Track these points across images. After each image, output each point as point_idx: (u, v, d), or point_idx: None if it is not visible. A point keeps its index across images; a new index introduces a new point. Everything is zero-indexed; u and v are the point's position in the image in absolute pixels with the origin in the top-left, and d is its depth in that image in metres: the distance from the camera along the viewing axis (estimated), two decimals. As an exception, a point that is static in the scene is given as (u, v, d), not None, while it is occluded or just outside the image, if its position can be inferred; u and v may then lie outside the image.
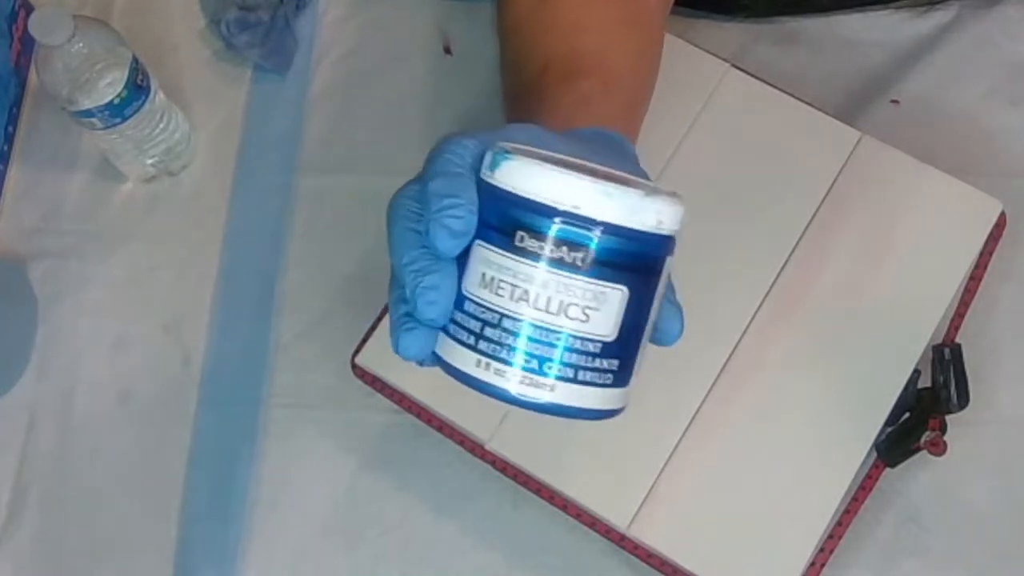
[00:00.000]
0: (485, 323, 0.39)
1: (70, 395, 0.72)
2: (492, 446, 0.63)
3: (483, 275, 0.38)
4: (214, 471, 0.69)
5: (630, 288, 0.39)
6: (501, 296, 0.38)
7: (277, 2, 0.79)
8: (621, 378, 0.40)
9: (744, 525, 0.60)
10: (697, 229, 0.66)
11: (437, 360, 0.41)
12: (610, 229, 0.38)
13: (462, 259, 0.40)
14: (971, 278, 0.66)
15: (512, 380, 0.39)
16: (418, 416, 0.65)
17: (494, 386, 0.39)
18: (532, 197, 0.38)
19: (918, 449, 0.62)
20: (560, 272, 0.38)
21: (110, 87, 0.68)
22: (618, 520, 0.61)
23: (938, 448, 0.61)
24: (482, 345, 0.39)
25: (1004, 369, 0.67)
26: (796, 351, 0.63)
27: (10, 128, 0.79)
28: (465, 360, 0.39)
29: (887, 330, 0.63)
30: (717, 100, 0.68)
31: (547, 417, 0.40)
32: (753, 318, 0.64)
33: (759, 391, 0.62)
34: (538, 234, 0.38)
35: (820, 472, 0.61)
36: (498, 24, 0.62)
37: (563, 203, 0.37)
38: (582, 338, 0.38)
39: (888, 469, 0.64)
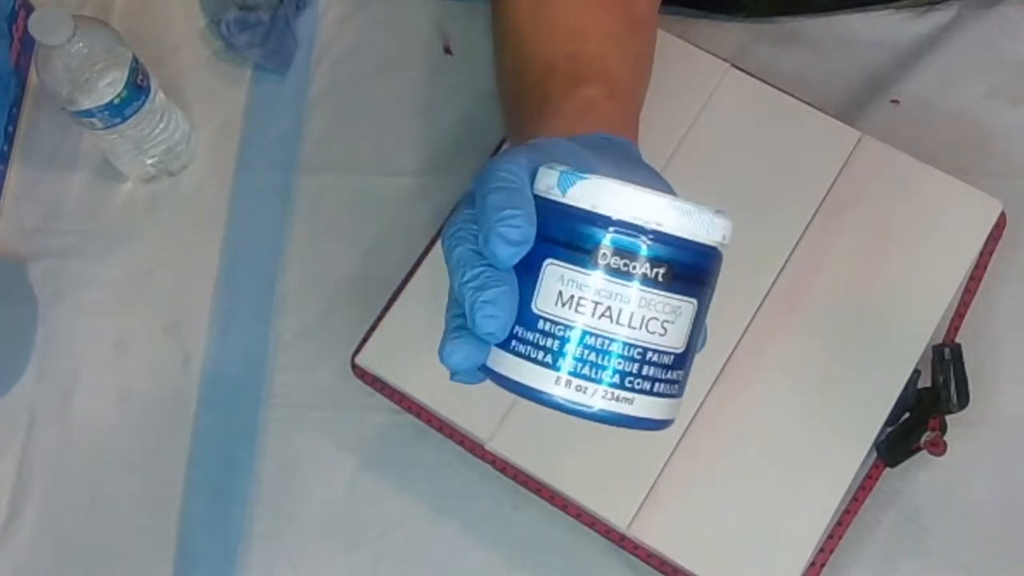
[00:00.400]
0: (564, 340, 0.39)
1: (70, 395, 0.72)
2: (492, 446, 0.63)
3: (559, 294, 0.39)
4: (214, 471, 0.69)
5: (698, 301, 0.40)
6: (582, 313, 0.39)
7: (277, 2, 0.79)
8: (682, 388, 0.41)
9: (744, 525, 0.60)
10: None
11: (492, 376, 0.41)
12: (688, 245, 0.39)
13: (528, 279, 0.40)
14: (971, 278, 0.66)
15: (595, 396, 0.39)
16: (418, 416, 0.65)
17: (576, 403, 0.39)
18: (617, 216, 0.38)
19: (918, 449, 0.62)
20: (644, 288, 0.38)
21: (110, 87, 0.68)
22: (618, 520, 0.61)
23: (938, 448, 0.61)
24: (562, 363, 0.39)
25: (1004, 369, 0.67)
26: (796, 351, 0.63)
27: (10, 128, 0.79)
28: (538, 378, 0.40)
29: (887, 330, 0.63)
30: (717, 100, 0.68)
31: (589, 424, 0.40)
32: (753, 318, 0.64)
33: (759, 391, 0.62)
34: (623, 252, 0.38)
35: (820, 472, 0.61)
36: (494, 28, 0.62)
37: (649, 221, 0.38)
38: (660, 351, 0.39)
39: (888, 469, 0.64)
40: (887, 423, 0.62)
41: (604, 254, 0.38)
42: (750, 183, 0.66)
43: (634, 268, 0.38)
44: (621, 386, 0.39)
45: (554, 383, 0.39)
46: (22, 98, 0.81)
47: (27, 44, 0.80)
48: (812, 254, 0.65)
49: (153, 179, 0.77)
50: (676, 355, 0.40)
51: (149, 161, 0.75)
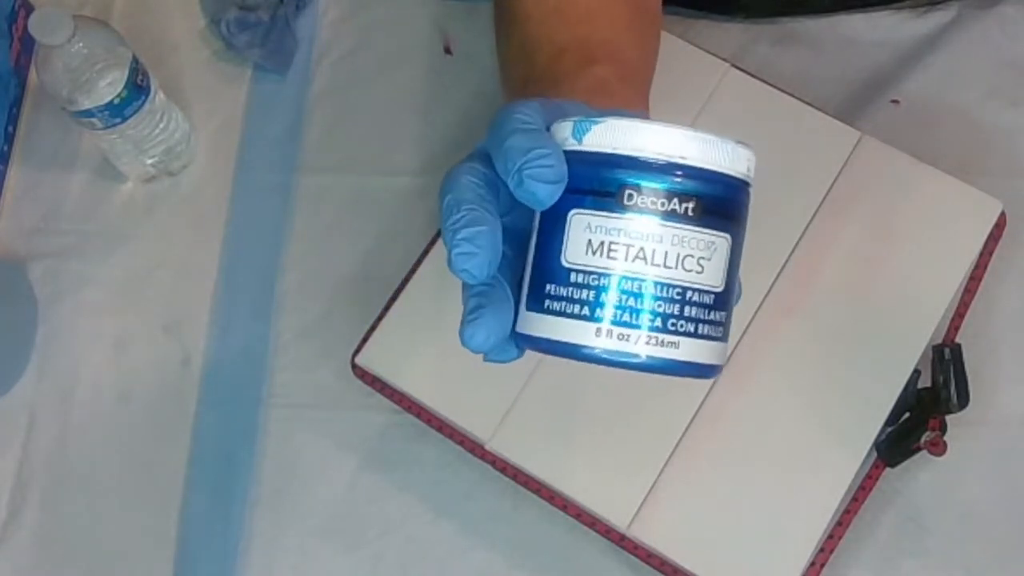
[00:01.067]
0: (600, 290, 0.38)
1: (70, 395, 0.72)
2: (492, 446, 0.63)
3: (588, 242, 0.38)
4: (214, 471, 0.69)
5: (732, 236, 0.39)
6: (615, 259, 0.37)
7: (277, 2, 0.79)
8: (727, 331, 0.40)
9: (744, 525, 0.60)
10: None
11: (527, 341, 0.40)
12: (714, 177, 0.38)
13: (553, 234, 0.39)
14: (971, 278, 0.66)
15: (639, 343, 0.38)
16: (418, 416, 0.65)
17: (620, 352, 0.38)
18: (638, 154, 0.37)
19: (918, 449, 0.62)
20: (675, 224, 0.37)
21: (110, 87, 0.68)
22: (618, 520, 0.61)
23: (938, 448, 0.61)
24: (601, 313, 0.38)
25: (1004, 369, 0.67)
26: (796, 351, 0.63)
27: (10, 128, 0.79)
28: (579, 333, 0.38)
29: (887, 330, 0.63)
30: (717, 100, 0.68)
31: (635, 374, 0.38)
32: (753, 318, 0.64)
33: (759, 391, 0.62)
34: (650, 189, 0.37)
35: (820, 472, 0.61)
36: (498, 15, 0.62)
37: (672, 155, 0.37)
38: (699, 290, 0.38)
39: (888, 469, 0.64)
40: (887, 423, 0.62)
41: (630, 195, 0.37)
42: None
43: (663, 205, 0.37)
44: (664, 329, 0.38)
45: (595, 335, 0.38)
46: (22, 98, 0.81)
47: (27, 44, 0.80)
48: (812, 254, 0.65)
49: (153, 179, 0.77)
50: (716, 294, 0.39)
51: (149, 161, 0.75)
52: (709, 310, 0.38)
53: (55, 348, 0.73)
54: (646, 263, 0.37)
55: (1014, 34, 0.77)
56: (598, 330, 0.38)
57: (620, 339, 0.38)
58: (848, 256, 0.65)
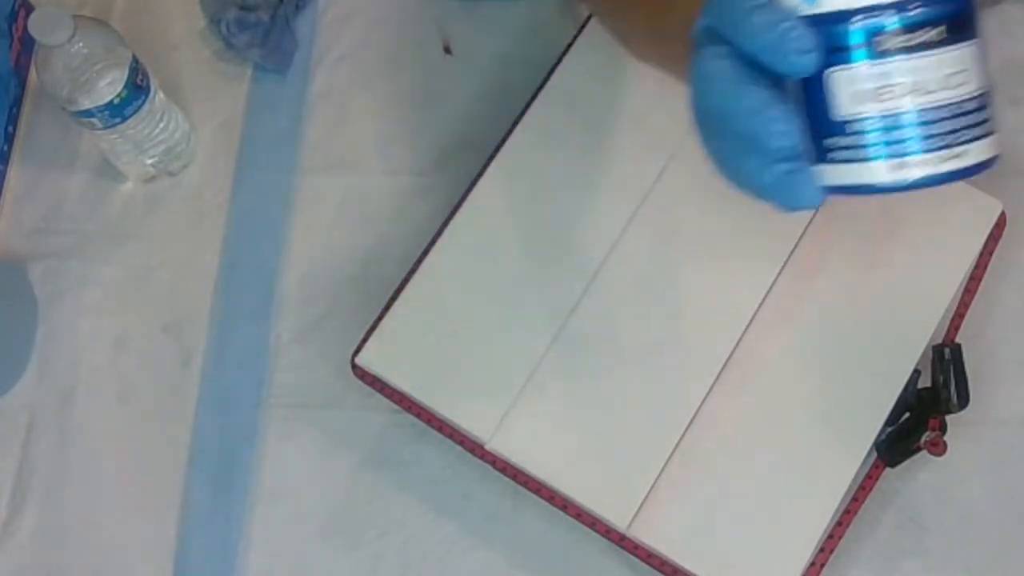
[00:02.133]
0: (884, 130, 0.40)
1: (70, 395, 0.72)
2: (492, 446, 0.63)
3: (854, 93, 0.40)
4: (214, 471, 0.69)
5: (979, 38, 0.41)
6: (885, 100, 0.39)
7: (277, 2, 0.78)
8: (995, 122, 0.43)
9: (744, 525, 0.60)
10: (697, 229, 0.66)
11: (834, 191, 0.41)
12: None
13: (815, 97, 0.40)
14: (971, 278, 0.66)
15: (936, 163, 0.40)
16: (418, 416, 0.65)
17: (928, 175, 0.40)
18: (875, 2, 0.39)
19: (918, 449, 0.62)
20: (928, 53, 0.39)
21: (110, 87, 0.68)
22: (618, 520, 0.61)
23: (938, 448, 0.61)
24: (891, 149, 0.40)
25: (1004, 369, 0.67)
26: (796, 351, 0.63)
27: (10, 128, 0.79)
28: (875, 172, 0.40)
29: (887, 330, 0.63)
30: (717, 100, 0.68)
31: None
32: (753, 318, 0.64)
33: (759, 391, 0.63)
34: (894, 31, 0.39)
35: (820, 472, 0.61)
36: None
37: None
38: (969, 99, 0.41)
39: (888, 469, 0.64)
40: (887, 423, 0.62)
41: (879, 41, 0.39)
42: (750, 183, 0.66)
43: (911, 40, 0.39)
44: (949, 146, 0.40)
45: (888, 171, 0.40)
46: (22, 98, 0.81)
47: (27, 44, 0.80)
48: (812, 254, 0.65)
49: (153, 179, 0.77)
50: (982, 95, 0.41)
51: (149, 161, 0.75)
52: (980, 111, 0.41)
53: (55, 348, 0.73)
54: (916, 95, 0.39)
55: (1014, 34, 0.77)
56: (890, 166, 0.40)
57: (924, 164, 0.40)
58: (848, 256, 0.65)
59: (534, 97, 0.70)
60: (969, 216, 0.66)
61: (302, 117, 0.78)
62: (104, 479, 0.70)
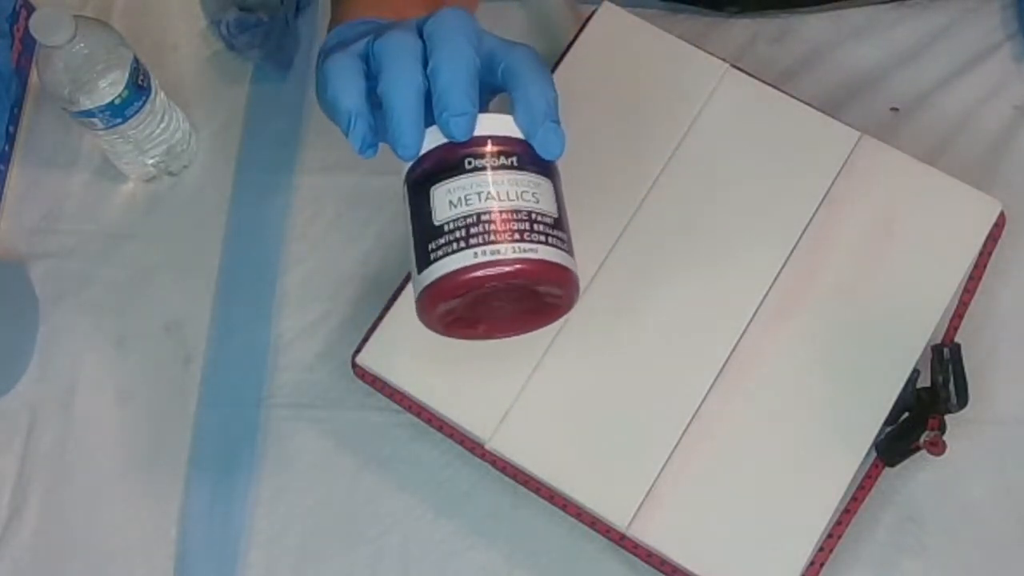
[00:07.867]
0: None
1: (70, 395, 0.72)
2: (492, 446, 0.63)
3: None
4: (214, 471, 0.69)
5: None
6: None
7: (277, 3, 0.79)
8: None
9: (744, 525, 0.60)
10: (697, 229, 0.66)
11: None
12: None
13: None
14: (970, 278, 0.66)
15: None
16: (418, 416, 0.65)
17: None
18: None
19: (918, 449, 0.62)
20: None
21: (111, 87, 0.68)
22: (618, 520, 0.61)
23: (938, 448, 0.61)
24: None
25: (1004, 369, 0.67)
26: (796, 351, 0.63)
27: (11, 128, 0.79)
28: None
29: (887, 330, 0.63)
30: (717, 100, 0.68)
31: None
32: (753, 318, 0.64)
33: (759, 391, 0.63)
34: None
35: (820, 472, 0.61)
36: None
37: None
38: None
39: (888, 469, 0.64)
40: (887, 423, 0.62)
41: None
42: (750, 183, 0.66)
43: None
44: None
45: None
46: (23, 98, 0.81)
47: (28, 44, 0.80)
48: (812, 254, 0.65)
49: (154, 179, 0.77)
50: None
51: (150, 161, 0.75)
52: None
53: (56, 348, 0.73)
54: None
55: (1014, 34, 0.77)
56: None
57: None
58: (848, 256, 0.65)
59: (534, 97, 0.70)
60: (968, 216, 0.66)
61: (302, 117, 0.78)
62: (104, 479, 0.70)
